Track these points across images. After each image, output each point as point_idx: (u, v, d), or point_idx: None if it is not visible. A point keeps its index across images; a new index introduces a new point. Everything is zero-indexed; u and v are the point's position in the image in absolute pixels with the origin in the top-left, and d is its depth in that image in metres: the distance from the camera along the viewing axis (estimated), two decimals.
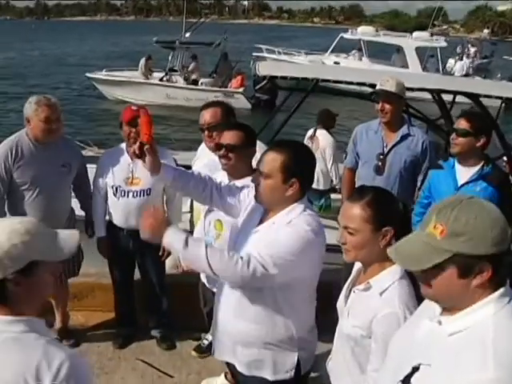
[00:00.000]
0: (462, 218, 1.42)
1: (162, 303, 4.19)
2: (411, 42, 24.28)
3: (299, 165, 2.35)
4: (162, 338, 4.22)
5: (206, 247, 2.20)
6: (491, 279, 1.43)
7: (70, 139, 4.11)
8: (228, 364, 2.88)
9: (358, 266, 2.29)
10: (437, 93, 5.36)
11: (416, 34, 25.97)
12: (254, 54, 24.90)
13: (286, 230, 2.30)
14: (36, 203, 3.66)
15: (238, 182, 2.89)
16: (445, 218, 1.44)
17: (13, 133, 3.74)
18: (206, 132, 3.50)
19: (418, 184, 4.02)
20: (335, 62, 23.53)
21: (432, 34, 26.26)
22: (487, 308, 1.44)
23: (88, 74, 20.51)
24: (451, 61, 30.07)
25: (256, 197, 2.46)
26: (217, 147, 3.00)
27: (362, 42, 25.47)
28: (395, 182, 3.94)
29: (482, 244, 1.40)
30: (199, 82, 18.92)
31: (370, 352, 2.02)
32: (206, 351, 4.05)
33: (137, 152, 2.50)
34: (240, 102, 17.32)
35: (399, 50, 24.00)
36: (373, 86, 4.58)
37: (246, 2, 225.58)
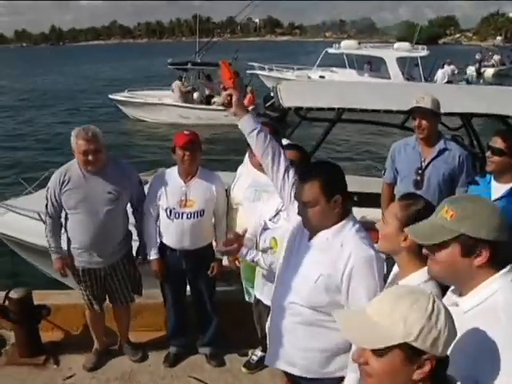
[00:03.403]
0: (469, 206, 1.75)
1: (213, 321, 4.26)
2: (392, 53, 24.65)
3: (334, 182, 2.49)
4: (212, 355, 4.32)
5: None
6: (490, 262, 1.70)
7: (125, 165, 4.05)
8: (286, 374, 2.94)
9: (394, 270, 2.44)
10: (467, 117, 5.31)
11: (397, 45, 26.29)
12: (248, 71, 25.20)
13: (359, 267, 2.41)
14: (81, 227, 3.81)
15: None
16: (455, 205, 1.77)
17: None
18: None
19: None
20: (320, 76, 24.10)
21: (414, 44, 26.26)
22: (493, 285, 1.71)
23: (110, 96, 20.79)
24: (471, 68, 30.05)
25: (306, 226, 2.58)
26: None
27: (345, 56, 25.96)
28: (434, 196, 4.00)
29: (483, 229, 1.69)
30: (212, 100, 19.10)
31: None
32: (255, 367, 4.15)
33: (225, 102, 2.72)
34: None
35: None
36: (401, 112, 4.66)
37: (257, 20, 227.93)
